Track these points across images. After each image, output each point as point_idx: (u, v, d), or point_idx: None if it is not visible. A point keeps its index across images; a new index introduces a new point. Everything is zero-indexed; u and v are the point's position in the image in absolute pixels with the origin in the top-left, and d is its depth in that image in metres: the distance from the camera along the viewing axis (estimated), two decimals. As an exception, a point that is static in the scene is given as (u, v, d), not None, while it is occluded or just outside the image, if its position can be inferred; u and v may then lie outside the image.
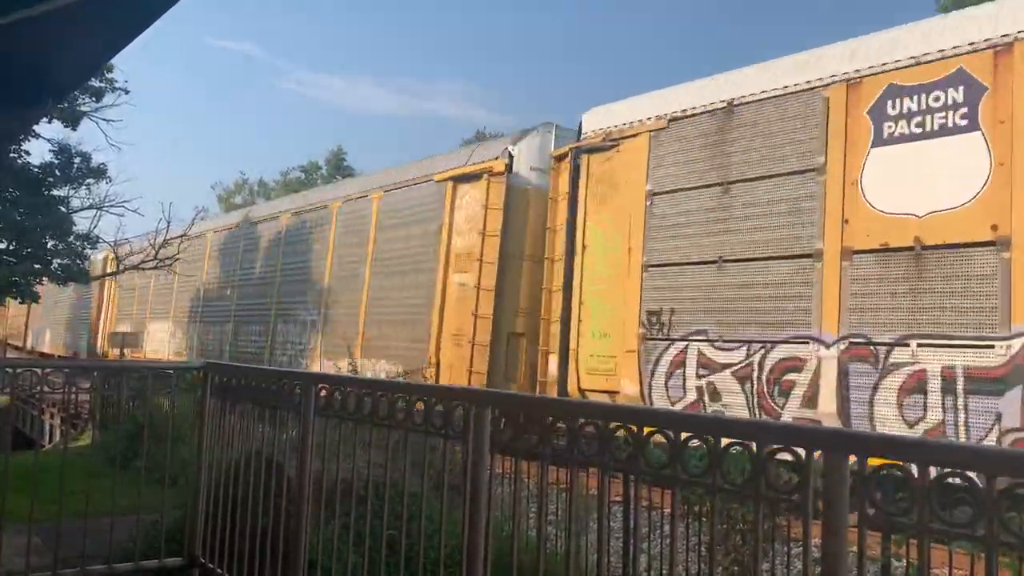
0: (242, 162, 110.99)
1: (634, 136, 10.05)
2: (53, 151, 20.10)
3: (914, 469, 1.75)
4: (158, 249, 21.55)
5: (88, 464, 4.68)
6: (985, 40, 7.20)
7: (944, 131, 7.30)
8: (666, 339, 9.17)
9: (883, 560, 2.23)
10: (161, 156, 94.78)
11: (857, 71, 8.00)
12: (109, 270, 25.09)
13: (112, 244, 24.38)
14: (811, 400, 7.78)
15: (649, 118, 9.93)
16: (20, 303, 25.40)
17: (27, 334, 37.86)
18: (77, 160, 20.43)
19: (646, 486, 2.62)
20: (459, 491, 2.98)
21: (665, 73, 79.27)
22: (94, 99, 20.98)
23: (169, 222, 22.21)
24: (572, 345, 10.26)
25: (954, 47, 7.37)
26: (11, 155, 18.45)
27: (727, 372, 8.54)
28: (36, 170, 19.86)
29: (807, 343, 7.94)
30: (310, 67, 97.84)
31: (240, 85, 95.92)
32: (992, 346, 6.74)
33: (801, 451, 1.96)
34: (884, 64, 7.82)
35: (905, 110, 7.57)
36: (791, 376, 8.00)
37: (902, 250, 7.39)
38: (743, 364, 8.41)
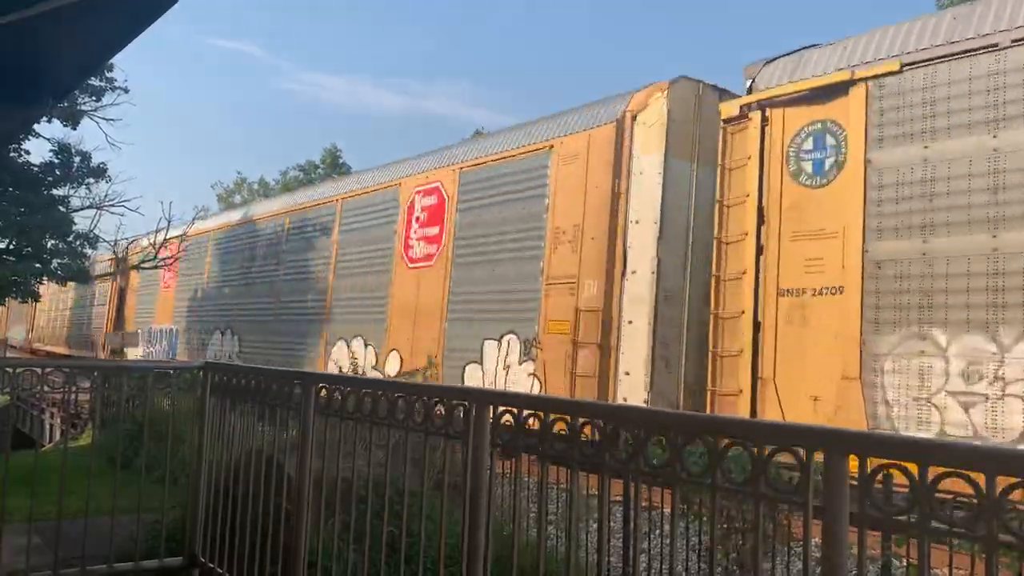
0: (242, 162, 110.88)
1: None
2: (53, 151, 20.11)
3: (914, 469, 1.74)
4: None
5: (88, 464, 4.67)
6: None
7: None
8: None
9: (883, 560, 2.23)
10: (161, 156, 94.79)
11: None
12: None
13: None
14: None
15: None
16: (21, 302, 24.96)
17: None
18: (77, 159, 20.42)
19: (646, 486, 2.61)
20: (459, 491, 2.97)
21: (663, 73, 79.14)
22: (94, 99, 21.00)
23: (169, 221, 22.16)
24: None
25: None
26: (11, 154, 18.44)
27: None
28: (36, 169, 19.86)
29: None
30: (310, 67, 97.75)
31: (240, 85, 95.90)
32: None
33: (801, 451, 1.96)
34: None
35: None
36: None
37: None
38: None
